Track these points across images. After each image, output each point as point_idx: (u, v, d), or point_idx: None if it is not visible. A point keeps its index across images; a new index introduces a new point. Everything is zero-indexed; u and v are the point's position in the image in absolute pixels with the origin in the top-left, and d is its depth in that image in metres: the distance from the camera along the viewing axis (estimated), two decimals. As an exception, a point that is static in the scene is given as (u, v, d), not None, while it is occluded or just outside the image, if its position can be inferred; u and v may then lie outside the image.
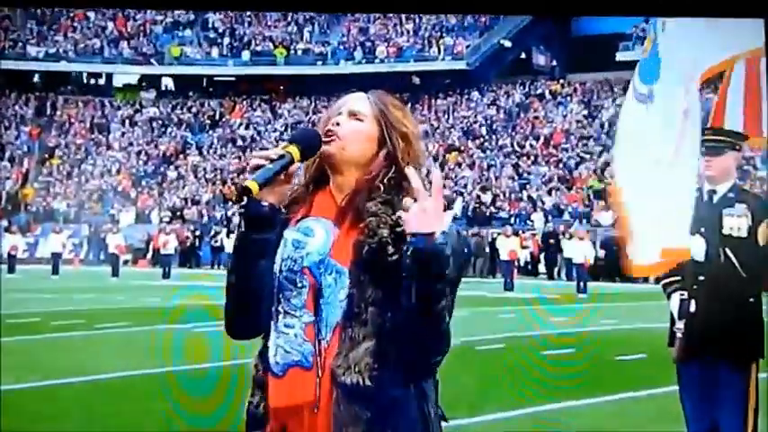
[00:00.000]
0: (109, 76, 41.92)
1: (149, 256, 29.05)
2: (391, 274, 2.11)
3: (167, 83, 42.67)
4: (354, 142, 2.27)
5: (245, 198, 2.15)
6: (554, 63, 39.61)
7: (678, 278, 4.49)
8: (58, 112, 39.95)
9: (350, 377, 2.12)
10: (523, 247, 25.09)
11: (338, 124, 2.28)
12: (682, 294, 4.46)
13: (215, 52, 40.50)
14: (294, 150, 2.20)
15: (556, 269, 25.12)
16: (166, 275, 24.11)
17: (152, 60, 40.31)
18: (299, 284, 2.21)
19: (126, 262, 28.14)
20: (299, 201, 2.30)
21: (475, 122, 36.38)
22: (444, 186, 31.69)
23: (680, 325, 4.46)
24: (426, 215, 2.05)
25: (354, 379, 2.11)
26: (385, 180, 2.24)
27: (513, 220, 28.46)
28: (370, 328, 2.13)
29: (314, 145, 2.26)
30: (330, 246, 2.21)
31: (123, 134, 39.23)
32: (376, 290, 2.14)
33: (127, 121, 39.86)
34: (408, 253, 2.04)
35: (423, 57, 38.29)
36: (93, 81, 42.16)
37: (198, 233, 29.94)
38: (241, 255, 2.22)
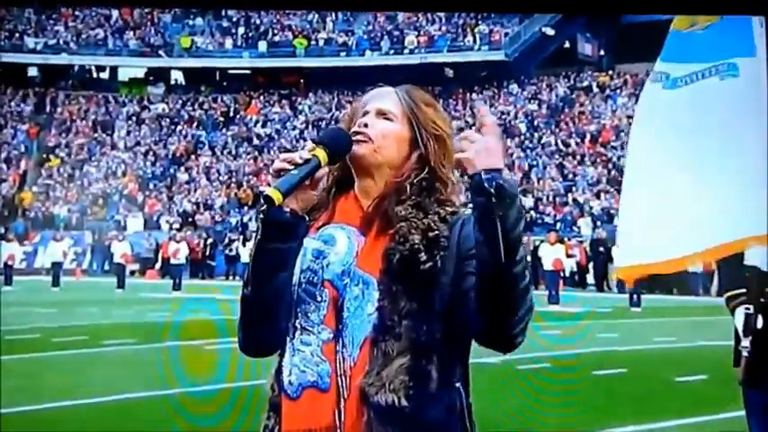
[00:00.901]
0: (113, 70, 42.16)
1: (158, 266, 29.12)
2: (425, 283, 2.14)
3: (177, 77, 42.86)
4: (387, 145, 2.29)
5: (265, 203, 2.16)
6: (602, 52, 39.45)
7: (743, 291, 4.43)
8: (59, 109, 40.24)
9: (384, 396, 2.11)
10: (569, 256, 24.97)
11: (366, 125, 2.30)
12: (747, 309, 4.40)
13: (229, 43, 40.67)
14: (321, 153, 2.21)
15: (605, 280, 24.94)
16: (177, 287, 24.13)
17: (160, 52, 40.52)
18: (319, 298, 2.23)
19: (132, 273, 28.23)
20: (320, 206, 2.32)
21: (515, 119, 36.33)
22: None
23: (746, 343, 4.39)
24: (494, 150, 2.08)
25: (389, 398, 2.10)
26: (415, 182, 2.26)
27: (557, 225, 28.42)
28: (404, 342, 2.14)
29: (344, 148, 2.27)
30: (354, 255, 2.23)
31: (129, 133, 39.42)
32: (409, 301, 2.15)
33: (133, 119, 40.06)
34: (492, 190, 2.04)
35: (456, 47, 38.24)
36: (96, 75, 42.43)
37: (211, 241, 30.06)
38: (258, 266, 2.22)
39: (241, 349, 2.32)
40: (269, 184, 2.19)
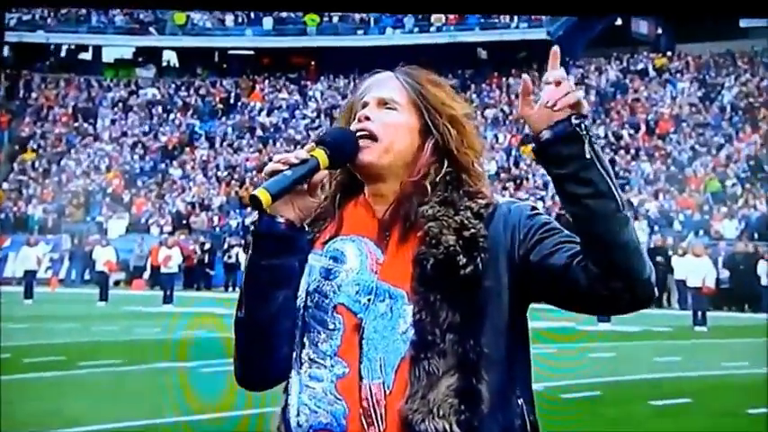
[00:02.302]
0: (97, 50, 42.36)
1: (147, 275, 29.14)
2: (468, 290, 2.16)
3: (170, 57, 43.03)
4: (396, 141, 2.30)
5: (257, 211, 2.18)
6: (659, 31, 39.34)
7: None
8: (34, 95, 40.43)
9: (432, 424, 2.11)
10: None
11: (368, 118, 2.31)
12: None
13: (229, 19, 40.77)
14: (321, 155, 2.22)
15: (665, 295, 24.83)
16: (168, 300, 24.15)
17: (151, 29, 40.66)
18: (331, 326, 2.23)
19: (117, 283, 28.33)
20: (325, 216, 2.34)
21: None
22: (519, 187, 31.81)
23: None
24: (576, 93, 2.16)
25: (439, 426, 2.11)
26: (438, 178, 2.28)
27: None
28: (450, 360, 2.15)
29: (347, 151, 2.28)
30: (370, 268, 2.25)
31: (114, 122, 39.60)
32: (452, 312, 2.16)
33: (119, 106, 40.25)
34: (589, 137, 2.13)
35: (491, 24, 38.22)
36: (77, 55, 42.62)
37: (208, 246, 30.10)
38: (252, 285, 2.24)
39: (238, 382, 2.34)
40: None
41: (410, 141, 2.31)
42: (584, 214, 2.13)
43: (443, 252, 2.18)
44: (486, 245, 2.20)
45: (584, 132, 2.12)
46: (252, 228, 2.24)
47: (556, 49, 2.20)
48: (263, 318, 2.23)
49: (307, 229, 2.28)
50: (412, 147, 2.31)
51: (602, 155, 2.14)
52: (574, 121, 2.12)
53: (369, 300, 2.22)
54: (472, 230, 2.20)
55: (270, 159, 2.22)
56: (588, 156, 2.12)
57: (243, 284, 2.26)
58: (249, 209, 33.30)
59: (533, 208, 2.30)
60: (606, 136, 33.96)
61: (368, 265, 2.25)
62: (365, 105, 2.34)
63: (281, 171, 2.19)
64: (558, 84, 2.14)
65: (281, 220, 2.21)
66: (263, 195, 2.14)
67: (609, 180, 2.12)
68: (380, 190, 2.31)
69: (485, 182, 2.34)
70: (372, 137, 2.29)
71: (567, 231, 2.23)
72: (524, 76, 2.21)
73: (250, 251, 2.24)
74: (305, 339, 2.25)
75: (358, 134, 2.29)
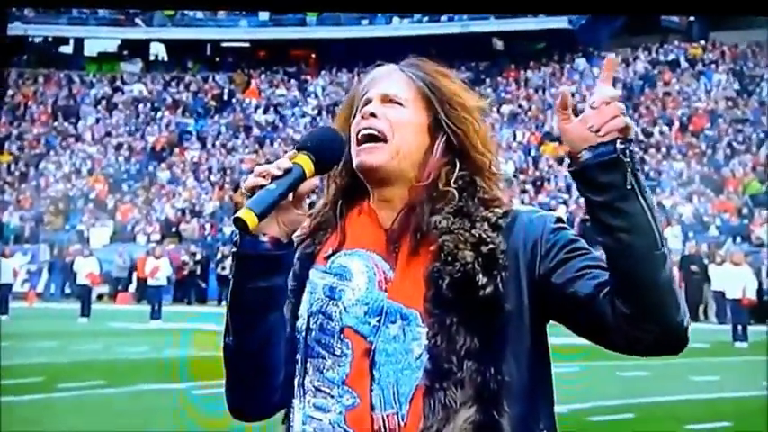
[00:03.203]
0: (78, 42, 42.48)
1: (132, 287, 29.26)
2: (488, 312, 2.14)
3: (158, 51, 43.15)
4: (406, 141, 2.27)
5: (236, 228, 2.15)
6: (692, 18, 39.25)
7: None
8: (10, 92, 40.49)
9: None
10: None
11: (374, 115, 2.27)
12: None
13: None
14: (305, 161, 2.18)
15: (702, 307, 24.84)
16: (156, 315, 24.19)
17: (137, 20, 40.74)
18: (338, 352, 2.22)
19: (100, 296, 28.47)
20: (326, 227, 2.32)
21: (581, 102, 35.97)
22: (540, 190, 31.78)
23: None
24: (624, 115, 2.13)
25: None
26: (451, 182, 2.25)
27: None
28: (468, 390, 2.13)
29: (334, 154, 2.25)
30: (378, 286, 2.23)
31: (98, 121, 39.76)
32: (470, 337, 2.14)
33: (103, 103, 40.34)
34: (630, 162, 2.10)
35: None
36: (57, 48, 42.69)
37: (200, 257, 30.14)
38: (238, 309, 2.21)
39: (231, 413, 2.31)
40: None
41: (420, 141, 2.28)
42: (618, 248, 2.10)
43: (460, 270, 2.16)
44: (505, 261, 2.17)
45: (629, 160, 2.09)
46: (233, 248, 2.19)
47: (612, 57, 2.16)
48: (254, 343, 2.20)
49: (294, 243, 2.24)
50: (422, 147, 2.28)
51: (645, 184, 2.11)
52: (619, 146, 2.09)
53: (379, 321, 2.20)
54: (491, 245, 2.17)
55: (267, 161, 2.20)
56: (629, 185, 2.08)
57: (228, 309, 2.21)
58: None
59: (558, 220, 2.26)
60: (635, 133, 33.93)
61: (376, 283, 2.23)
62: (368, 102, 2.30)
63: (264, 185, 2.15)
64: (606, 103, 2.11)
65: (264, 238, 2.17)
66: (249, 217, 2.10)
67: (648, 213, 2.10)
68: (387, 195, 2.29)
69: (501, 186, 2.31)
70: (380, 136, 2.25)
71: (594, 253, 2.19)
72: (563, 89, 2.18)
73: (233, 273, 2.20)
74: (308, 365, 2.23)
75: (363, 133, 2.26)
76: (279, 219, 2.18)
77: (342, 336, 2.21)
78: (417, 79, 2.31)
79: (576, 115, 2.14)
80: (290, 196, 2.18)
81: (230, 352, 2.24)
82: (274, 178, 2.15)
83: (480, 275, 2.15)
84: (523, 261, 2.19)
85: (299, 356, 2.25)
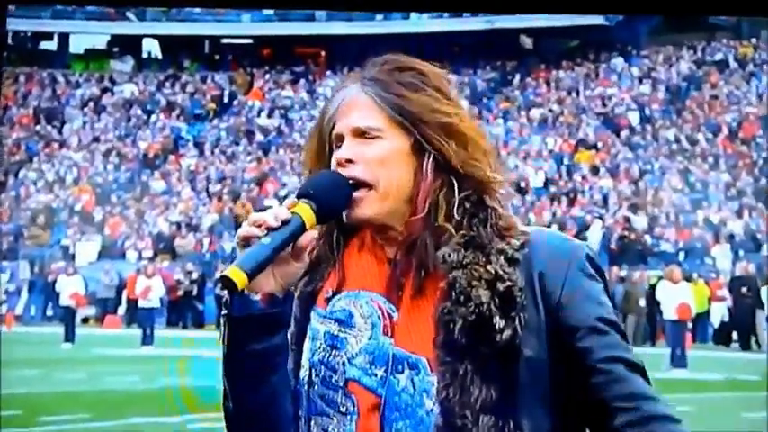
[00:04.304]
0: (63, 38, 42.61)
1: (122, 309, 29.33)
2: (506, 360, 2.11)
3: (151, 48, 43.25)
4: (392, 179, 2.21)
5: (224, 287, 2.10)
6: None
7: None
8: (-12, 93, 40.70)
9: None
10: (718, 299, 25.37)
11: (351, 161, 2.21)
12: None
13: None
14: (306, 212, 2.15)
15: (753, 335, 24.86)
16: (148, 340, 24.27)
17: (128, 14, 40.85)
18: (343, 408, 2.19)
19: (86, 320, 28.55)
20: (324, 262, 2.29)
21: (619, 105, 36.41)
22: (573, 203, 31.67)
23: None
24: None
25: None
26: (454, 208, 2.19)
27: (682, 256, 28.51)
28: None
29: (337, 202, 2.21)
30: (383, 331, 2.20)
31: (85, 125, 39.88)
32: (486, 388, 2.11)
33: (90, 106, 40.45)
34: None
35: (537, 6, 38.33)
36: (39, 45, 42.81)
37: (196, 275, 30.18)
38: (233, 376, 2.20)
39: None
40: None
41: (407, 169, 2.22)
42: None
43: (474, 311, 2.11)
44: (523, 300, 2.12)
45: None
46: (222, 309, 2.15)
47: None
48: (256, 406, 2.19)
49: (292, 294, 2.23)
50: (410, 175, 2.22)
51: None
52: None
53: (385, 371, 2.18)
54: (508, 282, 2.12)
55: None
56: None
57: (223, 375, 2.19)
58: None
59: (589, 259, 2.19)
60: (678, 140, 34.00)
61: (381, 328, 2.20)
62: (340, 139, 2.24)
63: (258, 237, 2.11)
64: None
65: (257, 296, 2.14)
66: (238, 276, 2.05)
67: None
68: (386, 235, 2.25)
69: (509, 191, 2.27)
70: (363, 184, 2.19)
71: (625, 345, 2.16)
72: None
73: (223, 337, 2.17)
74: (312, 423, 2.21)
75: None
76: (275, 272, 2.15)
77: (346, 390, 2.19)
78: (384, 104, 2.23)
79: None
80: (290, 248, 2.15)
81: (230, 417, 2.22)
82: (270, 230, 2.11)
83: (497, 317, 2.11)
84: (541, 298, 2.15)
85: (301, 413, 2.23)
